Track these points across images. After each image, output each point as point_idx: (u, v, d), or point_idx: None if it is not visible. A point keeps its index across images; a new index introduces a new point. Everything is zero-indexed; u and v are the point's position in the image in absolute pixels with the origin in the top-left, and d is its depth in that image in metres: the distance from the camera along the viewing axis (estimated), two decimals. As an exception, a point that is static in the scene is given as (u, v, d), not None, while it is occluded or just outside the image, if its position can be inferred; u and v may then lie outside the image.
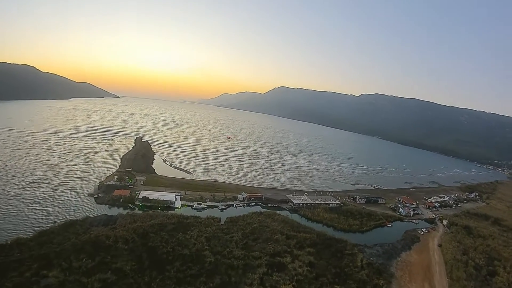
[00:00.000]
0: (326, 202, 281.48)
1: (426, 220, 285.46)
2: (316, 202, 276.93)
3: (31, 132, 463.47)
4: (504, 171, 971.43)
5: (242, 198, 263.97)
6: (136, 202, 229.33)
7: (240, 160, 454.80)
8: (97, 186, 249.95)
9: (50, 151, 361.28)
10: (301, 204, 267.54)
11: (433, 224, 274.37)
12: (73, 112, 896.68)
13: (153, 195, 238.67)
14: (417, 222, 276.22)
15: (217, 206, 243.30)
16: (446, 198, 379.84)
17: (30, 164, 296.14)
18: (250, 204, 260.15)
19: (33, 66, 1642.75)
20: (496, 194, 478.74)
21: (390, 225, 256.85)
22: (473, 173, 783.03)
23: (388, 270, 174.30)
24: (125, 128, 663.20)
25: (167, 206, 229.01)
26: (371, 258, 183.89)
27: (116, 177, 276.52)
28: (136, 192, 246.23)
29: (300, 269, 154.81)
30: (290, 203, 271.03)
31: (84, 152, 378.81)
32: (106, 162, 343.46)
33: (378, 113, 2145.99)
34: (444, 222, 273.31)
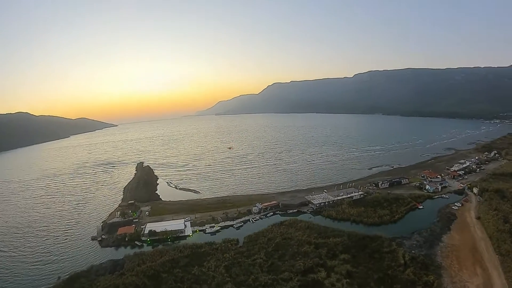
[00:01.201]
0: (348, 195, 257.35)
1: (456, 192, 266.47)
2: (338, 197, 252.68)
3: (29, 180, 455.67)
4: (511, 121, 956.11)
5: (258, 210, 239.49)
6: (143, 238, 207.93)
7: (248, 167, 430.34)
8: (100, 227, 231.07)
9: (49, 197, 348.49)
10: (322, 204, 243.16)
11: (464, 195, 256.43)
12: (72, 150, 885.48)
13: (160, 226, 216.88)
14: (447, 196, 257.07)
15: (232, 225, 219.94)
16: (468, 163, 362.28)
17: (29, 215, 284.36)
18: (268, 215, 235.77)
19: (27, 112, 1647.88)
20: None
21: (421, 207, 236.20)
22: (483, 130, 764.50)
23: (435, 261, 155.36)
24: (125, 156, 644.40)
25: (177, 236, 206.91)
26: (412, 251, 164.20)
27: (118, 213, 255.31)
28: (141, 226, 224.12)
29: (338, 284, 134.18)
30: (310, 204, 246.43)
31: (85, 191, 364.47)
32: (108, 198, 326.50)
33: (375, 90, 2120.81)
34: (475, 190, 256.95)
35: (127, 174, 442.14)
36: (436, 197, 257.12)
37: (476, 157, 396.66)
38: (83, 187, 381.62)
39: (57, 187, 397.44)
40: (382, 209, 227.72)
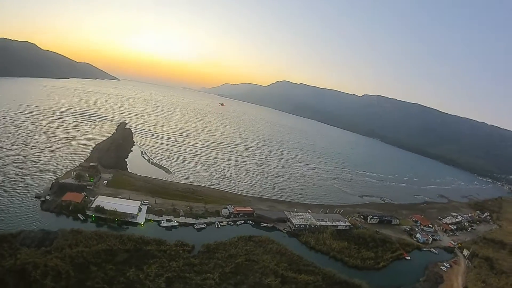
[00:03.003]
0: (333, 223, 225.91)
1: (445, 249, 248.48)
2: (322, 223, 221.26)
3: (6, 112, 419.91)
4: (503, 185, 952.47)
5: (227, 214, 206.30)
6: (88, 212, 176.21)
7: (233, 160, 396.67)
8: (49, 186, 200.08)
9: (15, 136, 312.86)
10: (302, 226, 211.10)
11: (453, 255, 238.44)
12: (64, 92, 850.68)
13: (111, 203, 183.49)
14: (436, 251, 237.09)
15: (192, 224, 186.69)
16: (460, 219, 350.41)
17: None
18: (238, 222, 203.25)
19: (34, 43, 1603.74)
20: (503, 213, 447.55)
21: (408, 258, 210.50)
22: (475, 186, 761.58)
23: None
24: (111, 112, 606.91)
25: (126, 220, 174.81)
26: None
27: (75, 173, 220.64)
28: (91, 198, 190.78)
29: None
30: (288, 223, 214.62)
31: (53, 139, 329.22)
32: (74, 153, 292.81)
33: (380, 115, 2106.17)
34: (465, 252, 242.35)
35: (106, 131, 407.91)
36: (425, 249, 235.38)
37: (469, 214, 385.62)
38: (54, 134, 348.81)
39: (28, 127, 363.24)
40: (367, 250, 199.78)
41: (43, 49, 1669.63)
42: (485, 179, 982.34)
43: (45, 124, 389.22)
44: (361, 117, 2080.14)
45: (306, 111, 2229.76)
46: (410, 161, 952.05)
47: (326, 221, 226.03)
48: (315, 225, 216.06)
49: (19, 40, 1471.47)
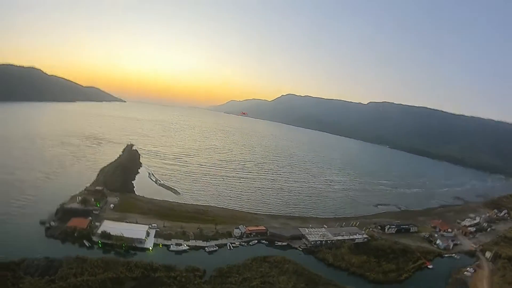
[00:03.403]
0: (350, 237, 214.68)
1: (467, 253, 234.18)
2: (338, 237, 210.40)
3: (12, 137, 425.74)
4: None
5: (240, 234, 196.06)
6: (94, 238, 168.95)
7: (243, 177, 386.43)
8: (55, 211, 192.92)
9: (20, 161, 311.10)
10: (318, 243, 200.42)
11: (476, 259, 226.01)
12: (70, 116, 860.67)
13: (117, 228, 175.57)
14: (458, 256, 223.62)
15: (203, 247, 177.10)
16: (478, 220, 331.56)
17: None
18: (251, 243, 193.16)
19: (39, 69, 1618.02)
20: None
21: (431, 266, 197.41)
22: (489, 184, 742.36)
23: None
24: (117, 134, 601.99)
25: (134, 245, 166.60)
26: None
27: (80, 198, 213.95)
28: (97, 223, 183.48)
29: None
30: (304, 240, 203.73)
31: (59, 163, 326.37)
32: (80, 176, 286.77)
33: (386, 121, 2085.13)
34: (487, 254, 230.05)
35: (112, 154, 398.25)
36: (446, 255, 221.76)
37: (487, 214, 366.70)
38: (60, 158, 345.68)
39: (33, 152, 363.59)
40: (388, 262, 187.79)
41: (49, 74, 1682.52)
42: (497, 176, 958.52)
43: (51, 149, 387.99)
44: (368, 124, 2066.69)
45: (313, 123, 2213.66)
46: (420, 165, 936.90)
47: (343, 235, 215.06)
48: (332, 240, 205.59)
49: (25, 65, 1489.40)
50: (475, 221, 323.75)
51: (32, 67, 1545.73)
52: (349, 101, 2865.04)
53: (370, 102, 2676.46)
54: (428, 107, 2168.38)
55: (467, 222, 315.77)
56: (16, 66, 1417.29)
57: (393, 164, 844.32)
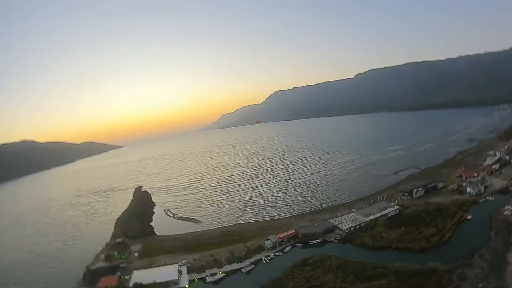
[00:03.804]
0: (382, 213, 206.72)
1: (500, 191, 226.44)
2: (370, 217, 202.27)
3: (21, 214, 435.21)
4: None
5: (271, 245, 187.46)
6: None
7: (257, 186, 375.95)
8: (82, 276, 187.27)
9: (35, 237, 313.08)
10: (352, 229, 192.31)
11: (510, 194, 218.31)
12: (73, 176, 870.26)
13: (148, 276, 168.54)
14: (492, 198, 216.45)
15: (239, 269, 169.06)
16: (499, 155, 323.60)
17: (12, 258, 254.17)
18: (285, 250, 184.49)
19: (32, 140, 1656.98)
20: None
21: (469, 217, 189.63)
22: (496, 117, 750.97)
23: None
24: (124, 180, 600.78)
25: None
26: (480, 286, 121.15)
27: (103, 255, 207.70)
28: (126, 277, 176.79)
29: None
30: (337, 230, 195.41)
31: (75, 226, 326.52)
32: (99, 233, 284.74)
33: (378, 88, 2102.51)
34: None
35: (124, 201, 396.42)
36: (481, 201, 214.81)
37: (506, 147, 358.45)
38: (73, 222, 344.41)
39: (46, 223, 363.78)
40: (427, 227, 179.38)
41: (42, 142, 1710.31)
42: (501, 107, 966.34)
43: (62, 215, 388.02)
44: (361, 96, 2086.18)
45: (307, 112, 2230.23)
46: (425, 119, 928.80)
47: (374, 214, 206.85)
48: (365, 222, 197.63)
49: (17, 141, 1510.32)
50: (496, 158, 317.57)
51: (24, 140, 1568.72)
52: (337, 79, 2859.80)
53: (357, 74, 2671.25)
54: (414, 61, 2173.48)
55: (489, 161, 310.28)
56: (9, 144, 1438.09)
57: (398, 127, 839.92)
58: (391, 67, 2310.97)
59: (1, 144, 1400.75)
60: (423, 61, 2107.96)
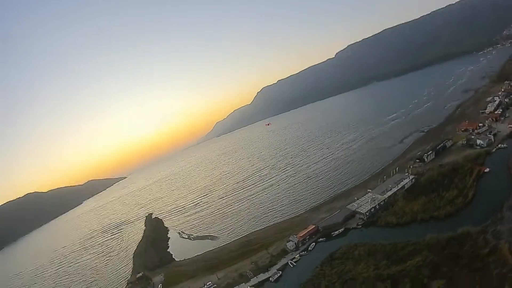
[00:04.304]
0: (399, 186, 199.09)
1: (510, 136, 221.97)
2: (388, 194, 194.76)
3: (37, 268, 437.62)
4: (504, 44, 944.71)
5: (294, 246, 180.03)
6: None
7: (265, 187, 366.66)
8: None
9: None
10: (373, 210, 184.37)
11: None
12: (82, 219, 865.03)
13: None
14: (505, 144, 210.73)
15: (268, 279, 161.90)
16: (498, 100, 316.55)
17: None
18: (309, 248, 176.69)
19: (35, 192, 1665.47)
20: None
21: (487, 169, 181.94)
22: (483, 61, 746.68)
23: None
24: (133, 211, 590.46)
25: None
26: None
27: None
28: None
29: None
30: (358, 215, 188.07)
31: (93, 269, 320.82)
32: (118, 272, 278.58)
33: (360, 61, 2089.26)
34: None
35: (137, 233, 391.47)
36: (493, 150, 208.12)
37: (502, 89, 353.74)
38: (92, 265, 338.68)
39: (65, 272, 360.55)
40: (447, 190, 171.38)
41: (46, 191, 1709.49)
42: (486, 51, 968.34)
43: (79, 260, 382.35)
44: (345, 74, 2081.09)
45: (296, 101, 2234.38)
46: (415, 81, 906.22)
47: (391, 189, 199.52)
48: (383, 200, 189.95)
49: (21, 196, 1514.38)
50: (496, 103, 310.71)
51: (28, 193, 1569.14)
52: (318, 62, 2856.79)
53: (337, 52, 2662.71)
54: (390, 26, 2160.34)
55: (490, 108, 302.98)
56: (13, 200, 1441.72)
57: (390, 94, 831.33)
58: (368, 37, 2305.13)
59: (6, 202, 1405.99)
60: (398, 24, 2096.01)
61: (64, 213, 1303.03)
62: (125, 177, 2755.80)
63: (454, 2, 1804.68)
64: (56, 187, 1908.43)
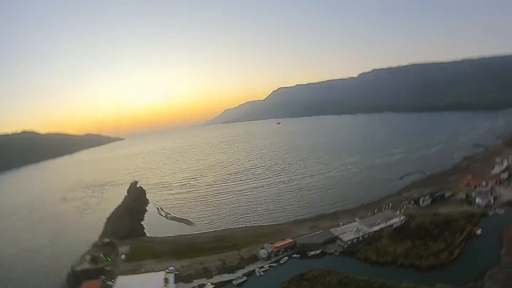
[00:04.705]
0: (387, 223, 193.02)
1: (510, 203, 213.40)
2: (375, 228, 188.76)
3: (14, 206, 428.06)
4: None
5: (267, 254, 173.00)
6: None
7: (256, 186, 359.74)
8: (66, 278, 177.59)
9: (23, 232, 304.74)
10: (355, 240, 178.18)
11: None
12: (71, 168, 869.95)
13: (132, 283, 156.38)
14: (502, 211, 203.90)
15: (230, 281, 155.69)
16: (507, 163, 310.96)
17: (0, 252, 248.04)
18: (281, 261, 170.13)
19: (32, 131, 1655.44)
20: None
21: (479, 231, 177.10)
22: (500, 121, 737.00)
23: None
24: (120, 175, 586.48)
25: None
26: None
27: (88, 257, 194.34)
28: (109, 282, 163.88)
29: None
30: (338, 241, 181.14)
31: (66, 221, 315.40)
32: (89, 230, 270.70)
33: (381, 88, 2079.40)
34: None
35: (118, 197, 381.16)
36: (490, 213, 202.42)
37: None
38: (66, 217, 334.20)
39: (36, 217, 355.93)
40: (435, 241, 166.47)
41: (43, 133, 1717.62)
42: (505, 111, 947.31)
43: (52, 209, 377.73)
44: (364, 96, 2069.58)
45: (308, 109, 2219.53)
46: (429, 121, 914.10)
47: (379, 224, 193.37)
48: (369, 233, 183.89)
49: (18, 132, 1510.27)
50: (504, 166, 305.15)
51: (25, 131, 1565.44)
52: (340, 78, 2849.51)
53: (360, 74, 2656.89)
54: (418, 62, 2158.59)
55: (497, 169, 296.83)
56: (9, 134, 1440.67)
57: (402, 128, 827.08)
58: (395, 67, 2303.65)
59: (1, 135, 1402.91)
60: (427, 63, 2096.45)
61: (57, 157, 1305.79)
62: (123, 139, 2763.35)
63: (487, 56, 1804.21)
64: (54, 132, 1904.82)
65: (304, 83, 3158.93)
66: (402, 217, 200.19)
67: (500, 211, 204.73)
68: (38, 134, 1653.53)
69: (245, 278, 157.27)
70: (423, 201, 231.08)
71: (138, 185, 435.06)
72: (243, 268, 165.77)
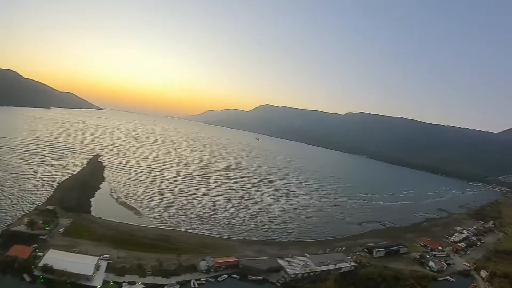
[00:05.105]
0: (336, 266, 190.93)
1: (461, 273, 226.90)
2: (323, 268, 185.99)
3: None
4: (494, 187, 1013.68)
5: (206, 267, 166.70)
6: (35, 272, 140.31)
7: (214, 195, 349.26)
8: None
9: None
10: (300, 276, 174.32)
11: (471, 278, 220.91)
12: (41, 122, 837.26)
13: (62, 261, 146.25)
14: (453, 279, 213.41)
15: (163, 286, 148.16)
16: (467, 234, 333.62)
17: None
18: (219, 278, 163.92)
19: (16, 72, 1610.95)
20: (505, 218, 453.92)
21: None
22: (468, 192, 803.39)
23: None
24: (86, 144, 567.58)
25: (79, 283, 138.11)
26: None
27: (27, 219, 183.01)
28: (40, 253, 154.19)
29: None
30: (283, 272, 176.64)
31: (15, 176, 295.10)
32: (35, 192, 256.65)
33: (364, 132, 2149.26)
34: (482, 273, 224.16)
35: (75, 166, 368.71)
36: (441, 278, 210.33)
37: (474, 227, 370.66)
38: (16, 170, 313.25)
39: None
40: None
41: (25, 77, 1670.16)
42: (475, 184, 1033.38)
43: (7, 159, 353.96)
44: (346, 135, 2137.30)
45: (290, 133, 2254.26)
46: (400, 176, 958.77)
47: (327, 264, 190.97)
48: (315, 271, 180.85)
49: (1, 67, 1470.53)
50: (463, 235, 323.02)
51: (9, 69, 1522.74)
52: (326, 111, 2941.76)
53: (347, 112, 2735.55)
54: (405, 117, 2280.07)
55: (456, 238, 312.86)
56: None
57: (373, 175, 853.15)
58: (382, 116, 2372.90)
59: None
60: (413, 120, 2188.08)
61: (30, 107, 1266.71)
62: (101, 109, 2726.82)
63: (471, 128, 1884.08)
64: (36, 80, 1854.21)
65: (291, 107, 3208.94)
66: (352, 263, 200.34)
67: (452, 279, 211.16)
68: (21, 76, 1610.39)
69: (178, 286, 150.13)
70: (376, 252, 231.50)
71: (99, 160, 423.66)
72: (179, 275, 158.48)
